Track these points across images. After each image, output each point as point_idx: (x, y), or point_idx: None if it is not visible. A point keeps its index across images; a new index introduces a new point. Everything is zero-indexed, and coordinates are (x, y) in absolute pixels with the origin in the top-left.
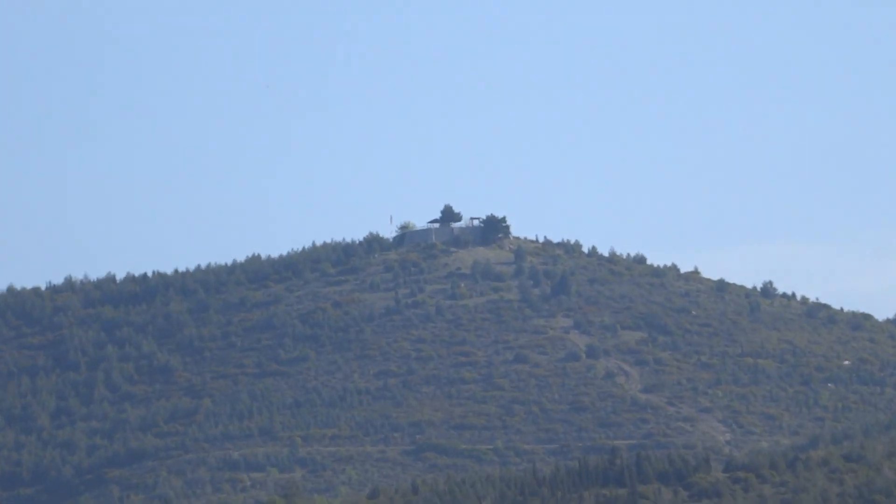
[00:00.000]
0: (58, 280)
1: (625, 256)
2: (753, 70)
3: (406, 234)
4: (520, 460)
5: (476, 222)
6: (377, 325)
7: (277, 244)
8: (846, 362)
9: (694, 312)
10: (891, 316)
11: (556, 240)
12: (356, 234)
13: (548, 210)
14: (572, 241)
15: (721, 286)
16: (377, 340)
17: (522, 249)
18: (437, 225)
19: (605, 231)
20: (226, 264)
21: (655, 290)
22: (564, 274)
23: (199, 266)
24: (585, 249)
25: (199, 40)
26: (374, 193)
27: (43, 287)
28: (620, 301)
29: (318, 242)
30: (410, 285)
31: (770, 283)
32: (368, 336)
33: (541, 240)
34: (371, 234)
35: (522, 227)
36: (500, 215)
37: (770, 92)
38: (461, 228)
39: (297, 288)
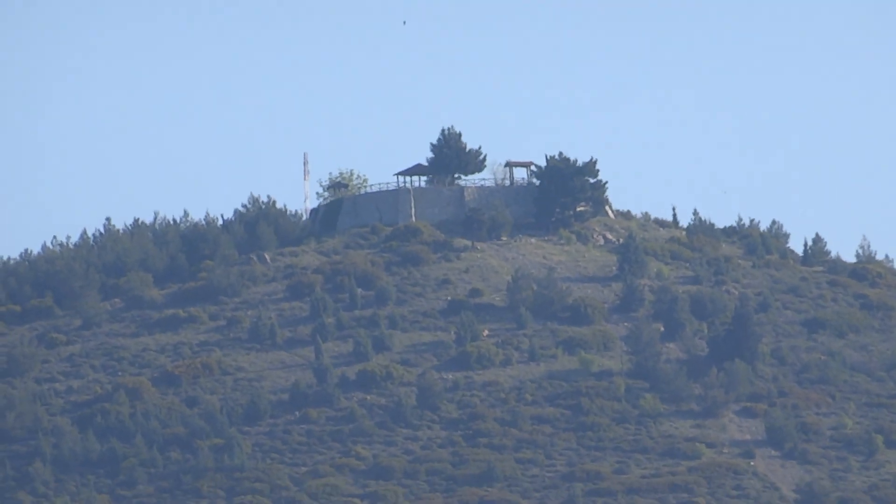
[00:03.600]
0: None
1: None
2: None
3: (344, 202)
4: None
5: (524, 175)
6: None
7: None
8: None
9: None
10: None
11: (719, 220)
12: (206, 203)
13: (693, 145)
14: (770, 226)
15: None
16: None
17: (637, 242)
18: (420, 180)
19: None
20: None
21: None
22: (746, 314)
23: None
24: (802, 246)
25: None
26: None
27: None
28: None
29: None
30: (348, 333)
31: None
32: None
33: (684, 219)
34: (254, 201)
35: (632, 189)
36: (578, 157)
37: None
38: (484, 188)
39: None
